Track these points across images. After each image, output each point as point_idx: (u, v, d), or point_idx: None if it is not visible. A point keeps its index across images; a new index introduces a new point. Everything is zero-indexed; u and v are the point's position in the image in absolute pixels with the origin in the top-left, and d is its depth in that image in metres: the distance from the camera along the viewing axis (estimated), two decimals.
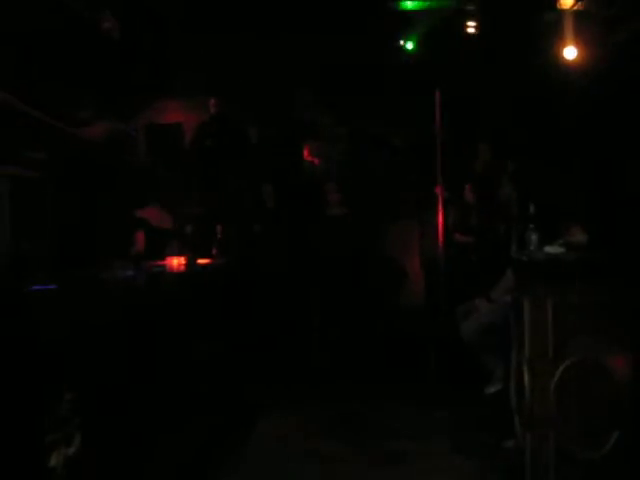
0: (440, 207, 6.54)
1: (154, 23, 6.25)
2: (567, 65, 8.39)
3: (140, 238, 5.55)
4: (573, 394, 3.94)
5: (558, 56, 8.32)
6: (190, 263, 4.97)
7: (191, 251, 5.08)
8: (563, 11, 8.08)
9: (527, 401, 4.08)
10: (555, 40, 8.29)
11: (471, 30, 8.38)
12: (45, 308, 2.93)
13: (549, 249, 4.12)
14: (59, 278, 3.32)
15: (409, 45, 8.44)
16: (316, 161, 8.63)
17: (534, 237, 4.24)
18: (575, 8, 8.03)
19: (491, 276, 5.65)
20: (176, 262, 5.03)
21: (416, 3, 7.89)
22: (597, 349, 3.91)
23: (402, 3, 7.86)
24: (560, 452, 3.95)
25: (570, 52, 8.32)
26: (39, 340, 2.76)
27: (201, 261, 5.23)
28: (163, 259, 5.14)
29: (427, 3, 7.87)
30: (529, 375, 4.02)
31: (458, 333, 5.59)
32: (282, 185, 7.73)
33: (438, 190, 7.49)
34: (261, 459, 4.64)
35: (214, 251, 5.57)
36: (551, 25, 8.33)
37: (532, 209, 4.32)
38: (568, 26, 8.10)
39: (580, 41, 8.24)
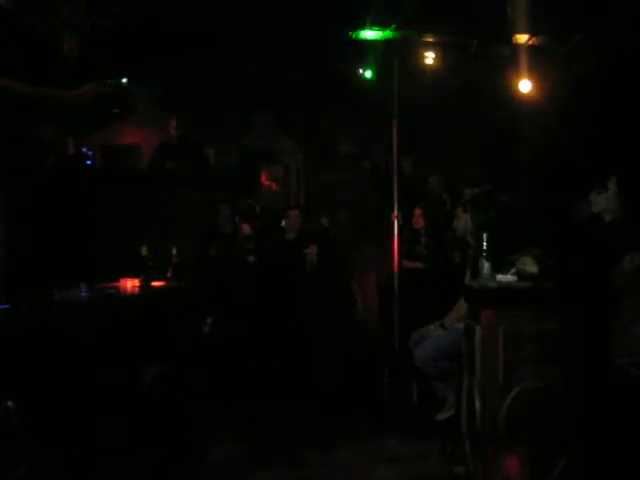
0: (396, 233, 6.59)
1: (113, 44, 6.25)
2: (522, 98, 8.58)
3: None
4: (523, 421, 4.00)
5: (513, 89, 8.51)
6: (144, 285, 4.93)
7: (146, 273, 5.04)
8: (518, 46, 8.28)
9: (477, 427, 4.13)
10: (510, 74, 8.49)
11: (429, 61, 8.52)
12: None
13: (501, 277, 4.19)
14: (10, 298, 3.28)
15: (367, 73, 8.54)
16: (274, 186, 8.66)
17: (487, 265, 4.32)
18: (530, 43, 8.24)
19: (445, 303, 5.71)
20: (130, 284, 4.99)
21: (375, 33, 7.99)
22: (547, 376, 3.98)
23: (360, 32, 7.96)
24: (509, 478, 3.99)
25: (525, 85, 8.52)
26: None
27: (156, 284, 5.19)
28: (117, 281, 5.09)
29: (385, 34, 7.97)
30: (480, 401, 4.08)
31: (412, 359, 5.61)
32: (238, 209, 7.73)
33: (394, 217, 7.58)
34: None
35: (169, 274, 5.53)
36: (506, 59, 8.52)
37: (485, 238, 4.39)
38: (523, 60, 8.30)
39: (535, 75, 8.45)
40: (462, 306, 5.11)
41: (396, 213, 6.72)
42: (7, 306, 3.11)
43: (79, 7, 4.08)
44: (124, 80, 3.85)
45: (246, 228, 7.18)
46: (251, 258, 6.58)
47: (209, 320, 6.12)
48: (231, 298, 6.27)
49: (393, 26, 7.71)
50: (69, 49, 3.91)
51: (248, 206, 7.95)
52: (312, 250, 6.74)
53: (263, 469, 4.88)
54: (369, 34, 7.94)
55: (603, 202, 4.25)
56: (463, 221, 5.42)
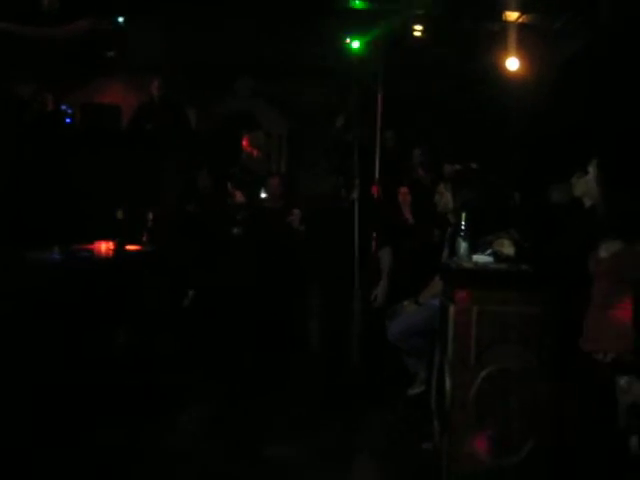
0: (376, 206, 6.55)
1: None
2: (509, 76, 8.54)
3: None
4: (492, 401, 4.01)
5: (501, 66, 8.46)
6: (118, 249, 4.88)
7: (120, 236, 4.98)
8: (507, 23, 8.22)
9: (446, 405, 4.14)
10: (499, 51, 8.43)
11: (418, 34, 8.44)
12: None
13: (478, 258, 4.18)
14: None
15: (355, 44, 8.44)
16: (255, 152, 8.56)
17: (464, 245, 4.29)
18: (520, 21, 8.18)
19: (421, 279, 5.70)
20: (104, 247, 4.93)
21: (365, 3, 7.89)
22: (519, 358, 3.99)
23: (350, 1, 7.86)
24: (475, 457, 4.01)
25: (512, 63, 8.47)
26: None
27: (130, 247, 5.14)
28: (92, 243, 5.03)
29: (376, 4, 7.87)
30: (450, 380, 4.08)
31: (385, 333, 5.61)
32: (219, 174, 7.60)
33: (374, 190, 7.53)
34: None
35: (144, 237, 5.48)
36: (495, 35, 8.46)
37: (464, 217, 4.36)
38: (511, 38, 8.24)
39: (523, 53, 8.40)
40: (437, 283, 5.11)
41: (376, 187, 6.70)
42: None
43: None
44: (121, 19, 3.50)
45: (239, 196, 6.78)
46: (235, 230, 6.16)
47: (190, 293, 5.95)
48: (215, 273, 5.96)
49: None
50: (49, 4, 3.79)
51: (238, 173, 7.64)
52: (295, 216, 6.09)
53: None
54: (360, 3, 7.84)
55: (583, 186, 4.22)
56: (445, 198, 5.38)
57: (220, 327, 5.60)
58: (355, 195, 5.41)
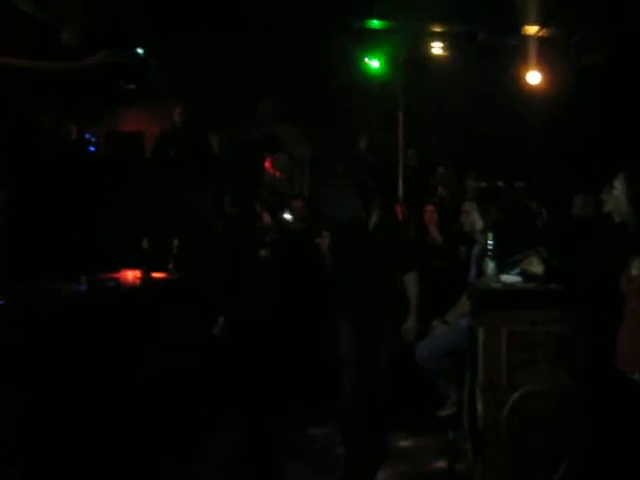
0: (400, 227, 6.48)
1: (117, 32, 6.15)
2: (530, 89, 8.51)
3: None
4: (525, 422, 3.95)
5: (521, 80, 8.43)
6: (145, 277, 4.88)
7: (146, 264, 4.98)
8: (527, 37, 8.19)
9: (479, 427, 4.09)
10: (519, 65, 8.41)
11: (436, 51, 8.45)
12: None
13: (506, 278, 4.13)
14: (7, 293, 3.24)
15: (374, 63, 8.46)
16: (278, 174, 8.59)
17: (492, 265, 4.25)
18: (539, 34, 8.15)
19: (448, 298, 5.65)
20: (131, 275, 4.93)
21: (383, 22, 7.90)
22: (551, 378, 3.93)
23: (368, 21, 7.88)
24: (510, 479, 3.95)
25: (533, 77, 8.45)
26: None
27: (156, 275, 5.13)
28: (118, 272, 5.04)
29: (394, 23, 7.89)
30: (482, 402, 4.03)
31: (412, 354, 5.54)
32: (244, 195, 7.58)
33: (398, 210, 7.50)
34: None
35: (170, 265, 5.46)
36: (515, 50, 8.44)
37: (491, 236, 4.32)
38: (532, 52, 8.21)
39: (543, 67, 8.37)
40: (465, 302, 5.06)
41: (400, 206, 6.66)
42: (2, 302, 3.06)
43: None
44: (140, 51, 3.41)
45: (266, 217, 6.43)
46: (262, 252, 5.93)
47: (221, 320, 5.77)
48: (244, 297, 5.76)
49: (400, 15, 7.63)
50: (68, 40, 3.81)
51: (265, 194, 7.51)
52: (324, 239, 5.57)
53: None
54: (376, 23, 7.86)
55: (613, 202, 4.14)
56: (471, 217, 5.33)
57: (250, 354, 5.52)
58: (376, 217, 5.18)
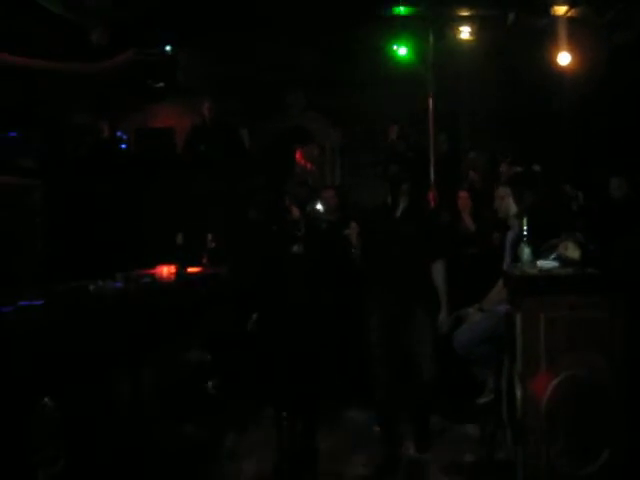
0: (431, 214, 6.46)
1: (146, 29, 6.18)
2: (561, 71, 8.39)
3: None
4: (565, 409, 3.91)
5: (552, 61, 8.32)
6: (180, 272, 4.90)
7: (181, 260, 5.01)
8: (556, 17, 8.08)
9: (519, 415, 4.06)
10: (549, 46, 8.30)
11: (465, 35, 8.36)
12: (29, 324, 2.89)
13: (542, 263, 4.08)
14: (46, 293, 3.27)
15: (402, 51, 8.40)
16: (309, 165, 8.57)
17: (527, 251, 4.19)
18: (569, 15, 8.03)
19: (484, 285, 5.61)
20: (166, 271, 4.96)
21: (408, 8, 7.84)
22: (589, 365, 3.89)
23: (395, 8, 7.82)
24: (551, 467, 3.92)
25: (564, 58, 8.33)
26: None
27: (191, 270, 5.17)
28: (153, 267, 5.08)
29: (420, 9, 7.82)
30: (521, 390, 4.00)
31: (449, 340, 5.51)
32: (276, 189, 7.60)
33: (431, 196, 7.47)
34: None
35: (204, 260, 5.50)
36: (544, 31, 8.32)
37: (526, 221, 4.27)
38: (561, 32, 8.10)
39: (574, 47, 8.25)
40: (501, 289, 5.01)
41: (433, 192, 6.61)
42: (41, 302, 3.08)
43: None
44: (168, 48, 3.39)
45: (295, 212, 6.35)
46: (295, 248, 5.72)
47: (254, 316, 5.82)
48: (278, 293, 5.63)
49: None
50: (98, 39, 3.84)
51: (293, 187, 7.48)
52: (353, 230, 5.37)
53: None
54: (402, 10, 7.80)
55: None
56: (505, 202, 5.27)
57: (283, 349, 5.49)
58: (404, 204, 5.04)
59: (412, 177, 5.22)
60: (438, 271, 5.01)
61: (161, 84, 3.31)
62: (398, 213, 5.01)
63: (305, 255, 5.67)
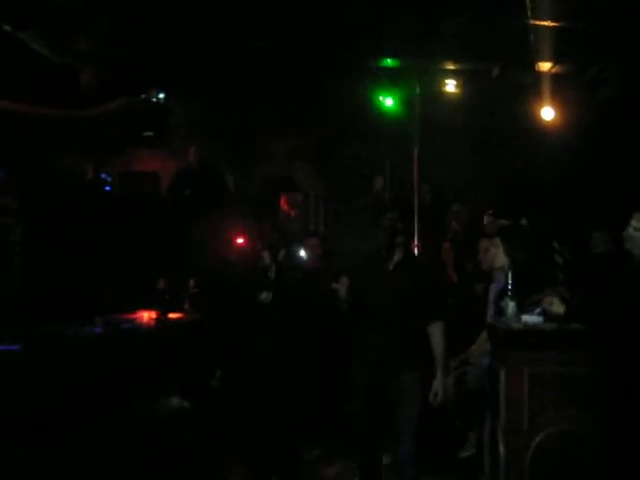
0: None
1: (132, 73, 6.19)
2: (544, 126, 8.50)
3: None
4: (548, 466, 3.86)
5: (536, 116, 8.43)
6: (160, 318, 4.84)
7: (162, 305, 4.94)
8: (541, 73, 8.21)
9: (501, 472, 4.00)
10: (533, 101, 8.41)
11: (450, 88, 8.47)
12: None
13: (527, 318, 4.06)
14: (23, 337, 3.21)
15: (388, 101, 8.48)
16: (293, 213, 8.55)
17: (512, 304, 4.17)
18: (553, 71, 8.16)
19: (467, 336, 5.57)
20: (147, 316, 4.90)
21: (395, 61, 7.94)
22: (573, 421, 3.85)
23: (381, 60, 7.91)
24: None
25: (548, 113, 8.44)
26: None
27: (173, 316, 5.09)
28: (134, 313, 5.01)
29: (407, 62, 7.92)
30: (504, 446, 3.95)
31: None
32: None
33: (413, 247, 7.46)
34: None
35: (186, 306, 5.42)
36: (528, 86, 8.45)
37: (511, 275, 4.26)
38: (546, 88, 8.22)
39: (558, 103, 8.37)
40: (485, 341, 4.99)
41: (416, 243, 6.60)
42: (17, 347, 3.02)
43: (97, 38, 4.01)
44: (161, 95, 3.31)
45: (266, 257, 5.93)
46: (264, 295, 5.29)
47: (218, 374, 5.41)
48: (243, 348, 5.27)
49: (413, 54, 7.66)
50: (87, 81, 3.83)
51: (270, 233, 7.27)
52: (342, 285, 4.70)
53: None
54: (389, 62, 7.89)
55: (630, 240, 4.07)
56: (490, 255, 5.27)
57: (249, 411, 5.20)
58: (398, 256, 4.69)
59: (406, 228, 4.90)
60: (436, 333, 4.43)
61: (150, 133, 3.27)
62: (391, 266, 4.56)
63: (274, 304, 5.38)
